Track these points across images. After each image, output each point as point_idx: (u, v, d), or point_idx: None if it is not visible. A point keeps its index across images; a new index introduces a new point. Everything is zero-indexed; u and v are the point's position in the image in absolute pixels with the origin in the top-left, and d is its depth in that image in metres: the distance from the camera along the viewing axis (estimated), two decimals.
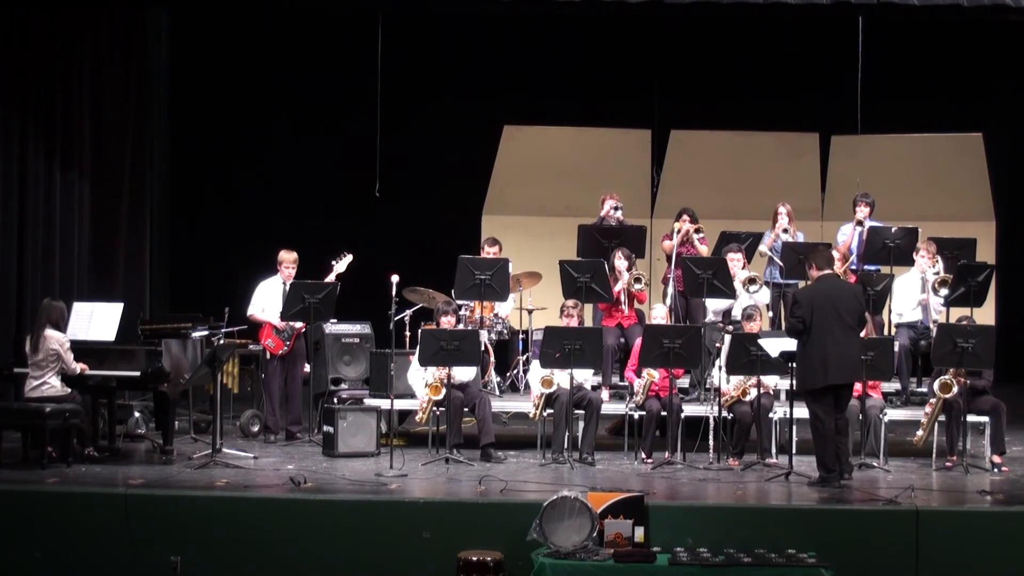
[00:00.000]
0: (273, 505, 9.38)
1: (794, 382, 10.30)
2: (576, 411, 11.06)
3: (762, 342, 10.53)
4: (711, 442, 11.11)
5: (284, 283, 12.02)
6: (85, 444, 10.81)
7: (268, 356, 12.07)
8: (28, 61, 12.90)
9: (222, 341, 11.69)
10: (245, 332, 12.40)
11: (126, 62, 14.17)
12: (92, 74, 13.69)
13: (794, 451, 10.69)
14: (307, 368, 12.28)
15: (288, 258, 12.09)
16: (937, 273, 11.86)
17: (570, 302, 11.51)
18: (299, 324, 11.97)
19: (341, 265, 12.18)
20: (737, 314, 11.89)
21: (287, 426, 12.06)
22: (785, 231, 12.73)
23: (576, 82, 15.98)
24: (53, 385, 10.55)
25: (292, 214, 15.59)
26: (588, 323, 12.16)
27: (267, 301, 12.05)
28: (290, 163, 16.05)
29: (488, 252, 12.41)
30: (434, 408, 11.10)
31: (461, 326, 11.89)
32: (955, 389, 10.63)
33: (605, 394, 11.71)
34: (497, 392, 12.44)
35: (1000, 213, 15.05)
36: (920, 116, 15.53)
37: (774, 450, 10.96)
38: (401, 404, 11.76)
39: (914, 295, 11.97)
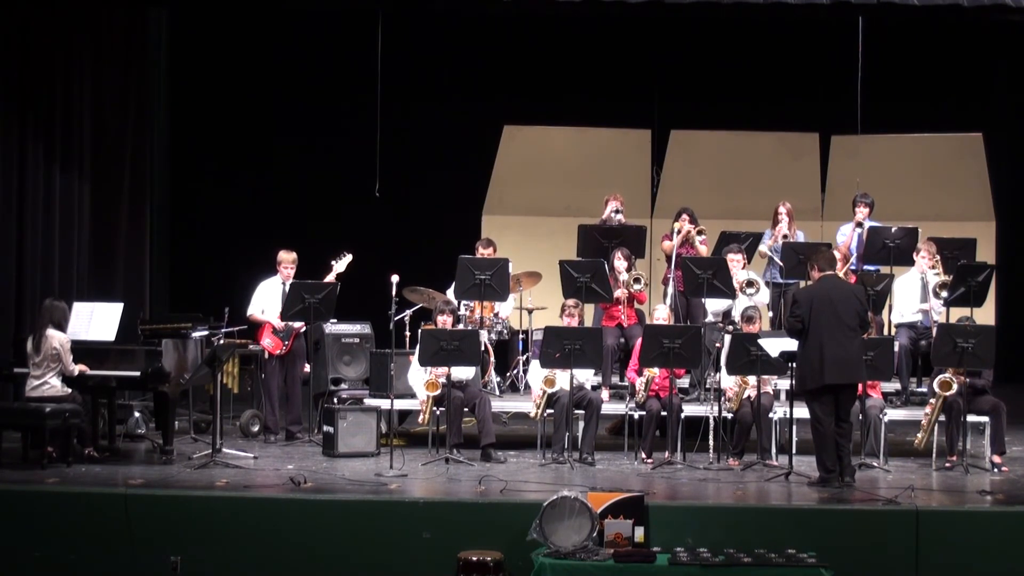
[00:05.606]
0: (273, 505, 9.38)
1: (794, 382, 10.31)
2: (576, 411, 11.06)
3: (762, 342, 10.54)
4: (711, 442, 11.11)
5: (283, 283, 12.02)
6: (85, 444, 10.82)
7: (267, 356, 12.08)
8: (28, 61, 12.90)
9: (222, 341, 11.69)
10: (245, 332, 12.40)
11: (126, 62, 14.18)
12: (92, 74, 13.69)
13: (794, 451, 10.69)
14: (307, 368, 12.28)
15: (287, 258, 12.09)
16: (938, 274, 11.84)
17: (571, 301, 11.51)
18: (298, 324, 11.97)
19: (341, 265, 12.18)
20: (736, 315, 11.88)
21: (287, 426, 12.06)
22: (785, 236, 12.72)
23: (576, 82, 15.98)
24: (53, 385, 10.55)
25: (292, 214, 15.60)
26: (588, 323, 12.15)
27: (266, 301, 12.05)
28: (290, 163, 16.06)
29: (482, 253, 12.41)
30: (434, 408, 11.11)
31: (461, 326, 11.89)
32: (955, 387, 10.64)
33: (605, 394, 11.70)
34: (497, 392, 12.45)
35: (1000, 213, 15.04)
36: (920, 116, 15.53)
37: (774, 450, 10.96)
38: (401, 404, 11.77)
39: (914, 296, 11.96)
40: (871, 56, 14.31)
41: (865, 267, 12.49)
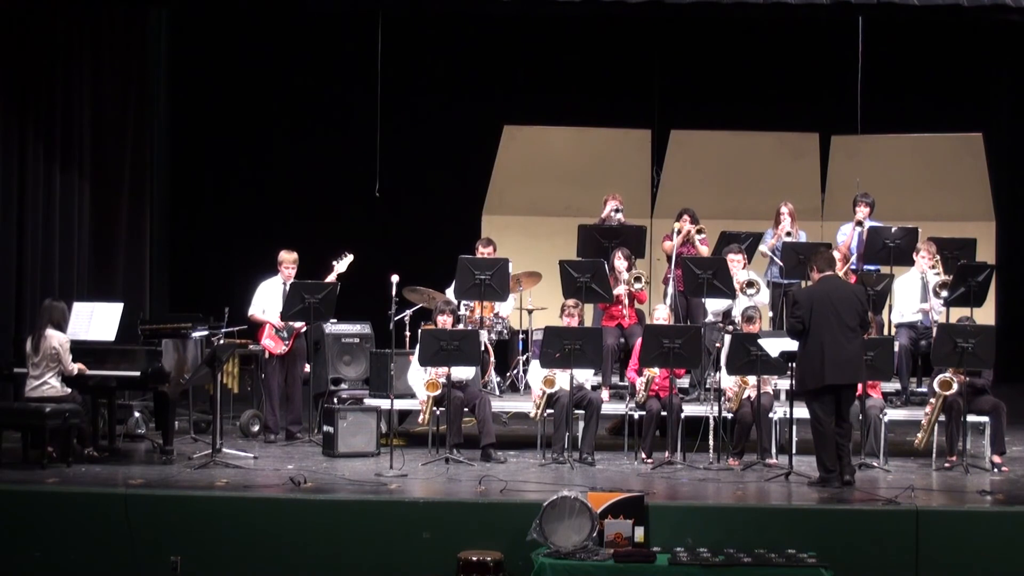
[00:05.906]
0: (273, 505, 9.37)
1: (794, 382, 10.31)
2: (576, 411, 11.06)
3: (762, 342, 10.53)
4: (711, 442, 11.11)
5: (284, 283, 12.02)
6: (85, 444, 10.81)
7: (267, 356, 12.08)
8: (28, 61, 12.90)
9: (222, 341, 11.69)
10: (245, 332, 12.40)
11: (126, 62, 14.17)
12: (92, 74, 13.69)
13: (794, 451, 10.69)
14: (307, 368, 12.28)
15: (288, 258, 12.10)
16: (938, 274, 11.83)
17: (571, 301, 11.51)
18: (298, 324, 11.97)
19: (342, 265, 12.18)
20: (736, 315, 11.88)
21: (287, 426, 12.06)
22: (788, 234, 12.72)
23: (576, 82, 15.99)
24: (53, 385, 10.55)
25: (292, 214, 15.60)
26: (588, 323, 12.15)
27: (267, 301, 12.05)
28: (290, 163, 16.06)
29: (482, 253, 12.41)
30: (434, 408, 11.11)
31: (461, 326, 11.89)
32: (955, 387, 10.64)
33: (605, 394, 11.70)
34: (497, 392, 12.45)
35: (1000, 213, 15.04)
36: (920, 116, 15.53)
37: (774, 450, 10.96)
38: (401, 404, 11.77)
39: (914, 296, 11.96)
40: (871, 56, 14.32)
41: (865, 267, 12.48)
